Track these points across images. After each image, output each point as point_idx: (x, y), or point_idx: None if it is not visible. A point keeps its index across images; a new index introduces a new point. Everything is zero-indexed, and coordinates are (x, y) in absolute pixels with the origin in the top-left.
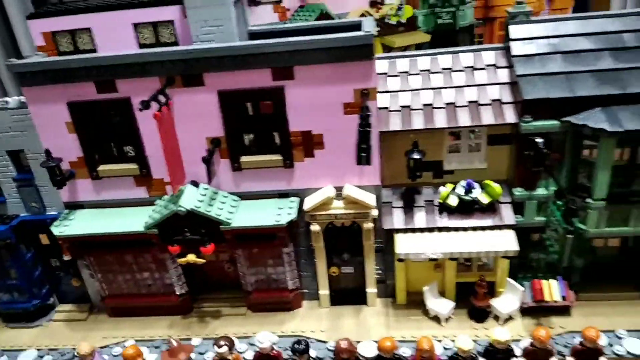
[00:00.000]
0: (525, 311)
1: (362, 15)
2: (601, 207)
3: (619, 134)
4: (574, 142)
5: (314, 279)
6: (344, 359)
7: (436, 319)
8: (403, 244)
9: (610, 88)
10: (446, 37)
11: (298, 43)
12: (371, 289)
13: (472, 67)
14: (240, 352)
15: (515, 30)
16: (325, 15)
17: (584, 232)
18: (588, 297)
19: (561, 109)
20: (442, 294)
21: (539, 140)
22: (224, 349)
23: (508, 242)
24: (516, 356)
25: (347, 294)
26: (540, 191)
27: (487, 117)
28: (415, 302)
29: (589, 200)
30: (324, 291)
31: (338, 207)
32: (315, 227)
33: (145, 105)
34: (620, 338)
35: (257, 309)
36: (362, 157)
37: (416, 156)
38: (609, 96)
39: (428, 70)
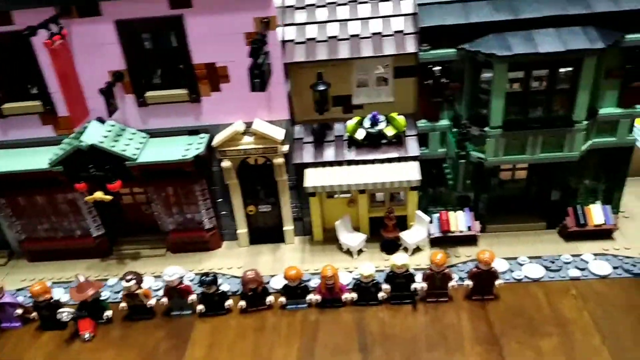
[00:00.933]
0: (434, 242)
1: None
2: (498, 135)
3: (509, 57)
4: (472, 70)
5: (232, 219)
6: (252, 289)
7: (349, 252)
8: (311, 178)
9: (503, 14)
10: None
11: None
12: (288, 227)
13: None
14: (155, 290)
15: None
16: None
17: (483, 161)
18: (495, 228)
19: (458, 37)
20: (357, 228)
21: (436, 68)
22: (131, 283)
23: (411, 172)
24: (415, 281)
25: (266, 233)
26: (443, 122)
27: (389, 47)
28: (332, 238)
29: (486, 128)
30: (242, 230)
31: (247, 143)
32: (226, 164)
33: (31, 31)
34: (521, 265)
35: (176, 250)
36: (255, 83)
37: (321, 87)
38: (502, 22)
39: (335, 2)
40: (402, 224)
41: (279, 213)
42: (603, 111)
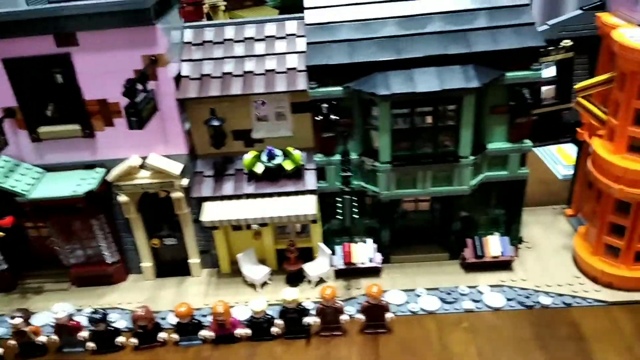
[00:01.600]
0: (338, 273)
1: None
2: (388, 170)
3: (388, 97)
4: (361, 107)
5: (137, 252)
6: (142, 326)
7: (254, 285)
8: (209, 212)
9: (387, 54)
10: (295, 10)
11: (77, 7)
12: (194, 260)
13: (274, 36)
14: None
15: (309, 0)
16: None
17: (377, 195)
18: (399, 258)
19: (343, 75)
20: (264, 261)
21: (324, 105)
22: (17, 321)
23: (308, 206)
24: (310, 314)
25: (172, 266)
26: (338, 157)
27: (282, 84)
28: (240, 270)
29: (376, 163)
30: (147, 263)
31: (144, 177)
32: (123, 198)
33: None
34: (418, 296)
35: (80, 284)
36: (132, 121)
37: (214, 123)
38: (386, 62)
39: (231, 40)
40: (309, 255)
41: (184, 246)
42: (492, 146)
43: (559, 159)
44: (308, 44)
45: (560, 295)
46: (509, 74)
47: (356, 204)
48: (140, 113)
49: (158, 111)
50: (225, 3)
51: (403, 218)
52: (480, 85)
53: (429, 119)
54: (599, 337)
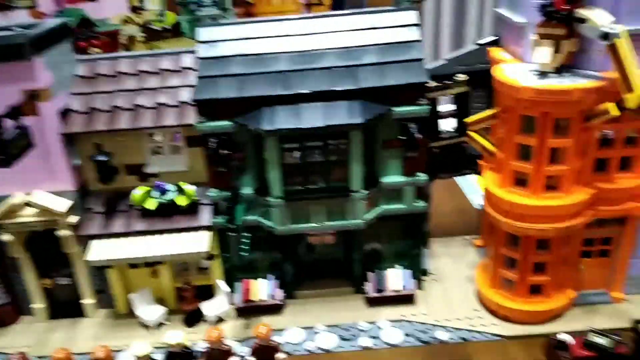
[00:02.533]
0: (240, 312)
1: (125, 21)
2: (280, 204)
3: (273, 132)
4: (252, 142)
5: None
6: None
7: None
8: (95, 251)
9: (276, 89)
10: None
11: None
12: (88, 300)
13: (169, 70)
14: None
15: (203, 33)
16: (85, 20)
17: (272, 230)
18: (304, 294)
19: (232, 110)
20: (162, 300)
21: (212, 140)
22: None
23: (201, 243)
24: (195, 357)
25: (67, 307)
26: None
27: (170, 119)
28: None
29: (269, 198)
30: (38, 305)
31: (29, 215)
32: (7, 237)
33: None
34: (317, 334)
35: None
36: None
37: (100, 158)
38: (274, 97)
39: (126, 73)
40: (210, 293)
41: (78, 286)
42: (386, 180)
43: (477, 188)
44: (198, 78)
45: (458, 329)
46: (397, 110)
47: (246, 241)
48: (6, 150)
49: (34, 147)
50: (143, 34)
51: (309, 252)
52: (363, 121)
53: (320, 154)
54: None
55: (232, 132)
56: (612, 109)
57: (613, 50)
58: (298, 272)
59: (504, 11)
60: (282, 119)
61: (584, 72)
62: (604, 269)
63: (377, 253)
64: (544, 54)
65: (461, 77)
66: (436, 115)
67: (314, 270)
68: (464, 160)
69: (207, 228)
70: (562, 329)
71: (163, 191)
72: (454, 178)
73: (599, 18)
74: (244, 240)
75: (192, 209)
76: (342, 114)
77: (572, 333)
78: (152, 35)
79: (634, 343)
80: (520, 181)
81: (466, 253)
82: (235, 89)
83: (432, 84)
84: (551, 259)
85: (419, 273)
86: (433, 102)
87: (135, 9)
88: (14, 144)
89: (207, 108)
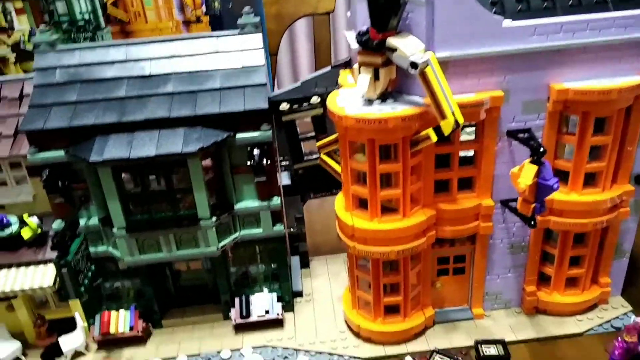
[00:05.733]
0: (101, 344)
1: None
2: (124, 235)
3: (101, 163)
4: (89, 171)
5: None
6: None
7: None
8: None
9: (109, 117)
10: None
11: None
12: None
13: (6, 97)
14: None
15: (39, 59)
16: None
17: (120, 260)
18: (171, 322)
19: (65, 139)
20: (21, 334)
21: (45, 170)
22: None
23: (47, 277)
24: None
25: None
26: (82, 222)
27: (5, 149)
28: None
29: (113, 229)
30: None
31: None
32: None
33: None
34: None
35: None
36: None
37: None
38: (107, 125)
39: None
40: (73, 325)
41: None
42: (240, 205)
43: None
44: (29, 106)
45: (320, 353)
46: (240, 136)
47: (92, 272)
48: None
49: None
50: (14, 55)
51: (175, 278)
52: (197, 149)
53: (163, 182)
54: None
55: (68, 162)
56: (432, 135)
57: (424, 78)
58: (164, 300)
59: (348, 36)
60: (112, 149)
61: (409, 98)
62: (463, 286)
63: (246, 277)
64: (364, 82)
65: (315, 99)
66: (297, 138)
67: (181, 297)
68: (332, 179)
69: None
70: (421, 348)
71: (5, 224)
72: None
73: (408, 47)
74: (84, 273)
75: (39, 241)
76: (177, 142)
77: (420, 353)
78: (24, 56)
79: None
80: (362, 203)
81: (343, 271)
82: (67, 117)
83: (286, 107)
84: (403, 279)
85: (288, 295)
86: (292, 125)
87: (4, 30)
88: None
89: (38, 138)
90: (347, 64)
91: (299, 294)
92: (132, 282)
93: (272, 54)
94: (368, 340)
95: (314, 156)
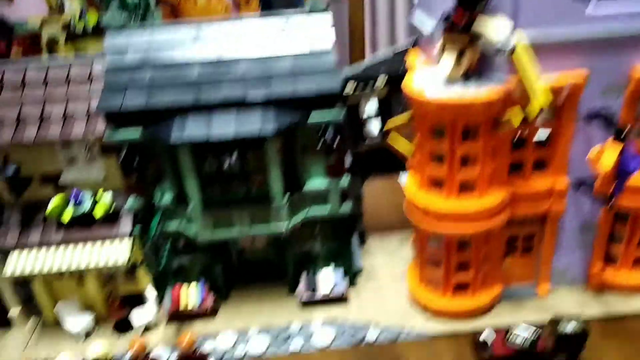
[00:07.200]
0: (172, 318)
1: (45, 22)
2: (199, 213)
3: (181, 143)
4: (165, 151)
5: None
6: None
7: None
8: (13, 264)
9: (187, 98)
10: None
11: None
12: (13, 311)
13: (79, 78)
14: None
15: (110, 39)
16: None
17: (195, 238)
18: (238, 297)
19: (143, 119)
20: (92, 308)
21: (124, 149)
22: None
23: (121, 253)
24: None
25: None
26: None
27: (80, 128)
28: None
29: (188, 207)
30: None
31: None
32: None
33: None
34: (248, 339)
35: None
36: None
37: (7, 173)
38: (186, 106)
39: (33, 81)
40: (140, 300)
41: (1, 297)
42: (309, 185)
43: None
44: (104, 86)
45: (389, 328)
46: (312, 117)
47: (165, 251)
48: None
49: None
50: (65, 36)
51: (240, 255)
52: (275, 130)
53: (238, 163)
54: None
55: (144, 141)
56: (517, 115)
57: (513, 60)
58: (230, 276)
59: (417, 18)
60: (192, 129)
61: (492, 78)
62: (529, 264)
63: (311, 254)
64: (447, 63)
65: (381, 80)
66: (360, 119)
67: (247, 273)
68: (393, 160)
69: (129, 236)
70: (489, 324)
71: (79, 201)
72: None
73: (496, 29)
74: (162, 249)
75: (111, 217)
76: (255, 123)
77: (495, 329)
78: (74, 36)
79: (552, 339)
80: (437, 183)
81: (401, 249)
82: (143, 97)
83: (352, 87)
84: (474, 257)
85: (352, 273)
86: (356, 106)
87: (55, 11)
88: None
89: (114, 118)
90: (415, 45)
91: (359, 271)
92: (199, 259)
93: None
94: (436, 316)
95: (376, 138)
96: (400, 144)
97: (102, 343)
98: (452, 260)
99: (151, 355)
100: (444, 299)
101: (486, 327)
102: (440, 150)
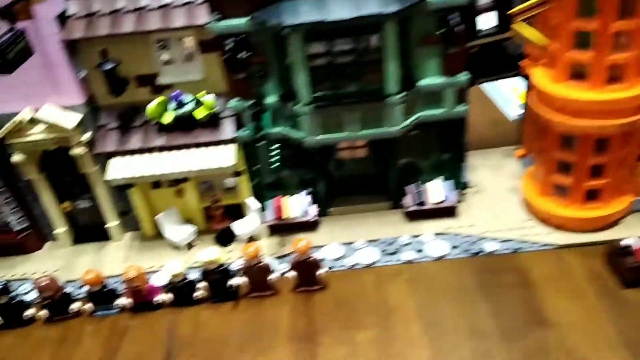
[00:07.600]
0: (273, 230)
1: None
2: (309, 112)
3: (297, 26)
4: (272, 42)
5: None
6: (49, 296)
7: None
8: (115, 169)
9: None
10: None
11: None
12: (112, 223)
13: None
14: None
15: None
16: None
17: (301, 141)
18: (338, 210)
19: (251, 4)
20: (190, 220)
21: (228, 41)
22: None
23: (226, 158)
24: (232, 275)
25: (90, 230)
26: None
27: (179, 19)
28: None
29: (296, 106)
30: (61, 229)
31: (37, 133)
32: (18, 157)
33: None
34: (356, 250)
35: None
36: None
37: (106, 67)
38: None
39: None
40: (240, 212)
41: (100, 209)
42: (424, 82)
43: (510, 98)
44: None
45: (508, 240)
46: None
47: (276, 154)
48: (4, 54)
49: (32, 54)
50: None
51: (339, 168)
52: (397, 10)
53: (351, 53)
54: (547, 282)
55: (249, 32)
56: None
57: None
58: (330, 189)
59: None
60: (307, 12)
61: None
62: None
63: (412, 167)
64: None
65: None
66: (474, 11)
67: (346, 186)
68: (505, 61)
69: (231, 141)
70: (621, 236)
71: (180, 103)
72: (482, 89)
73: None
74: (273, 151)
75: (213, 121)
76: (373, 4)
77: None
78: None
79: None
80: (578, 74)
81: (506, 164)
82: None
83: None
84: (610, 160)
85: (459, 185)
86: None
87: None
88: (11, 48)
89: (221, 3)
90: None
91: (465, 185)
92: (298, 170)
93: None
94: (559, 227)
95: (490, 32)
96: (529, 32)
97: (216, 249)
98: (585, 164)
99: (263, 262)
100: (569, 209)
101: (621, 237)
102: (588, 31)
